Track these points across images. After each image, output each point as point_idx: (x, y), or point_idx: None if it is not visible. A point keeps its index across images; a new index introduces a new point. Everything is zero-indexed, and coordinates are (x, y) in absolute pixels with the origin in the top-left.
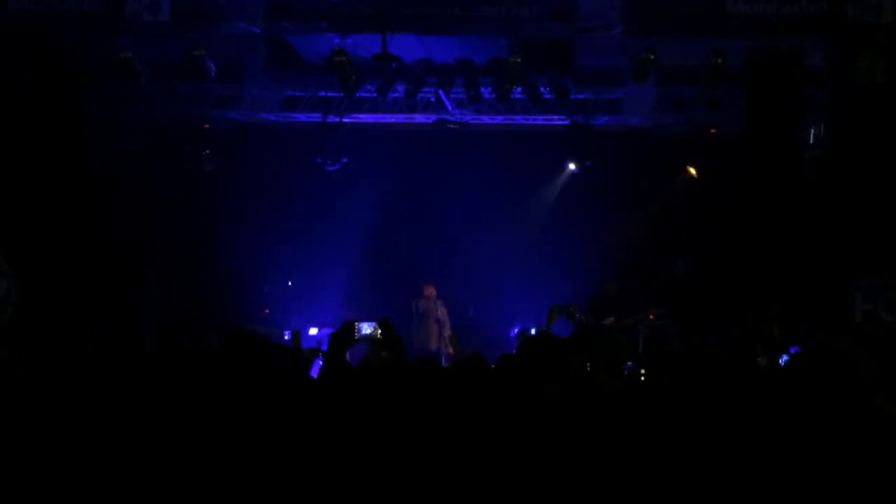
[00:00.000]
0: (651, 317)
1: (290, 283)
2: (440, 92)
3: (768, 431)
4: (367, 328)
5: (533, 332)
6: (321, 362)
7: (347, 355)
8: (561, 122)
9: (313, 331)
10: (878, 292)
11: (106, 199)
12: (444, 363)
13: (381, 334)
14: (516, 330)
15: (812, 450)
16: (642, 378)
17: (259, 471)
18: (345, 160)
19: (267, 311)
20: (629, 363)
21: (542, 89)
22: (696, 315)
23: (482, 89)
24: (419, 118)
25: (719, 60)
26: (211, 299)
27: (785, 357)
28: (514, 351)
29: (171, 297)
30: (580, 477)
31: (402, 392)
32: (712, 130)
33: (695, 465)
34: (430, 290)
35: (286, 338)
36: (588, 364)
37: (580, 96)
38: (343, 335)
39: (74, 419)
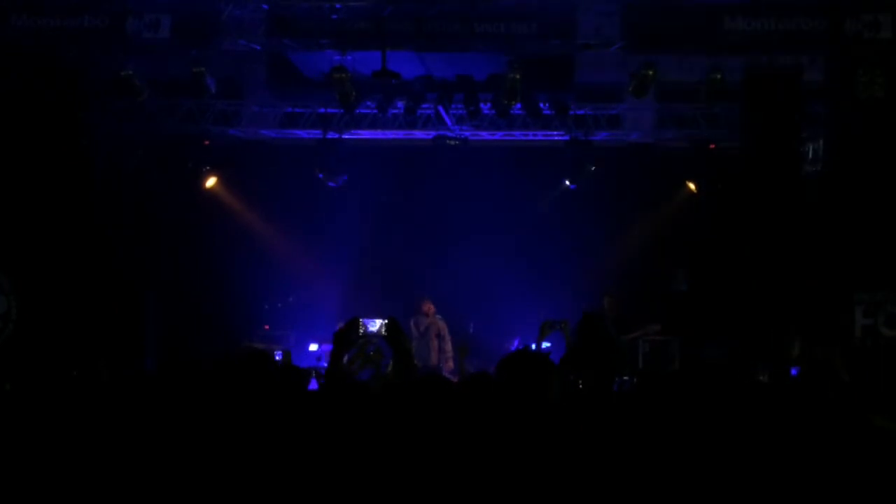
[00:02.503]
0: (650, 334)
1: (290, 299)
2: (440, 108)
3: (766, 447)
4: (373, 325)
5: (532, 346)
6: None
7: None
8: (560, 138)
9: (313, 346)
10: (879, 307)
11: (107, 214)
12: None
13: (386, 334)
14: (516, 344)
15: (810, 465)
16: (639, 391)
17: (260, 488)
18: (345, 177)
19: (267, 327)
20: (625, 378)
21: (541, 105)
22: (695, 329)
23: (482, 105)
24: (419, 134)
25: (718, 76)
26: (211, 315)
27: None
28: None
29: (172, 312)
30: (568, 494)
31: (408, 405)
32: (711, 146)
33: (691, 479)
34: (429, 306)
35: (278, 357)
36: (578, 379)
37: (579, 112)
38: (347, 333)
39: (74, 434)
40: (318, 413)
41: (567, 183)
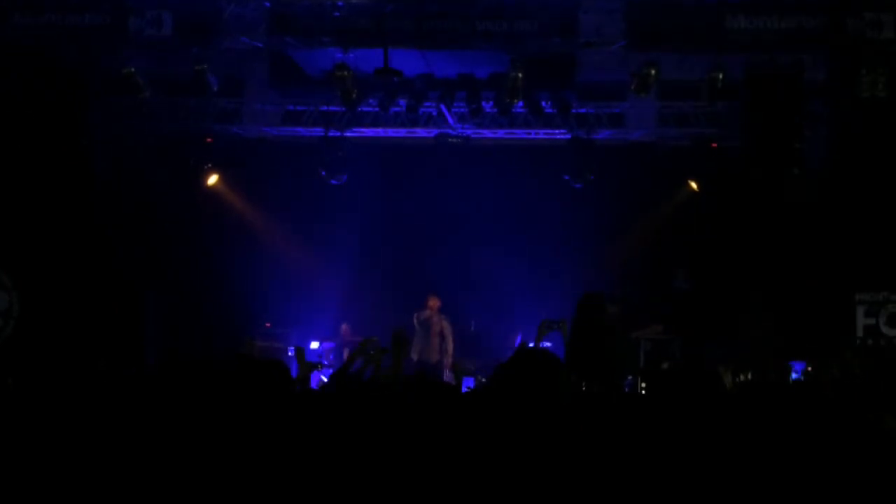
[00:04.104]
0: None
1: (291, 297)
2: (441, 106)
3: (769, 445)
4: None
5: (531, 345)
6: (319, 375)
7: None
8: (562, 136)
9: (314, 344)
10: (880, 307)
11: (108, 213)
12: (445, 376)
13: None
14: (518, 342)
15: (812, 463)
16: (642, 391)
17: (260, 488)
18: (346, 176)
19: (268, 325)
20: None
21: (543, 103)
22: (697, 328)
23: (483, 103)
24: (421, 132)
25: (720, 75)
26: (211, 314)
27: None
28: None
29: (173, 310)
30: (571, 494)
31: (408, 406)
32: (713, 144)
33: (694, 480)
34: (434, 302)
35: (290, 353)
36: (582, 379)
37: (581, 110)
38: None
39: (75, 432)
40: (319, 413)
41: (573, 182)
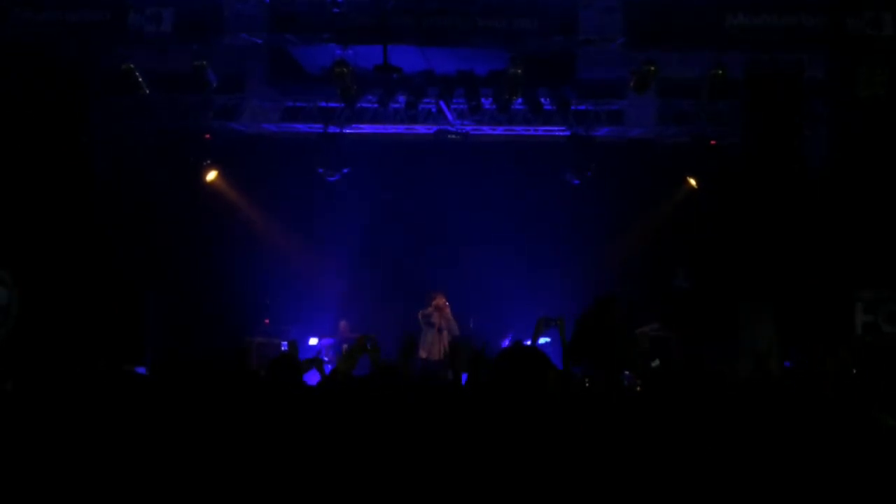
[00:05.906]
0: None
1: (290, 294)
2: (441, 102)
3: (767, 444)
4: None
5: (528, 342)
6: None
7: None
8: (562, 133)
9: (313, 341)
10: (879, 304)
11: (108, 210)
12: (449, 374)
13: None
14: (508, 339)
15: (811, 461)
16: (638, 389)
17: (257, 485)
18: (345, 170)
19: (267, 321)
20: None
21: (542, 100)
22: (696, 327)
23: (483, 100)
24: (420, 129)
25: (720, 73)
26: (212, 312)
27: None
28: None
29: (173, 306)
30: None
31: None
32: (712, 142)
33: (692, 477)
34: (438, 300)
35: (283, 347)
36: (586, 376)
37: (581, 107)
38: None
39: (74, 433)
40: (317, 412)
41: (572, 179)
